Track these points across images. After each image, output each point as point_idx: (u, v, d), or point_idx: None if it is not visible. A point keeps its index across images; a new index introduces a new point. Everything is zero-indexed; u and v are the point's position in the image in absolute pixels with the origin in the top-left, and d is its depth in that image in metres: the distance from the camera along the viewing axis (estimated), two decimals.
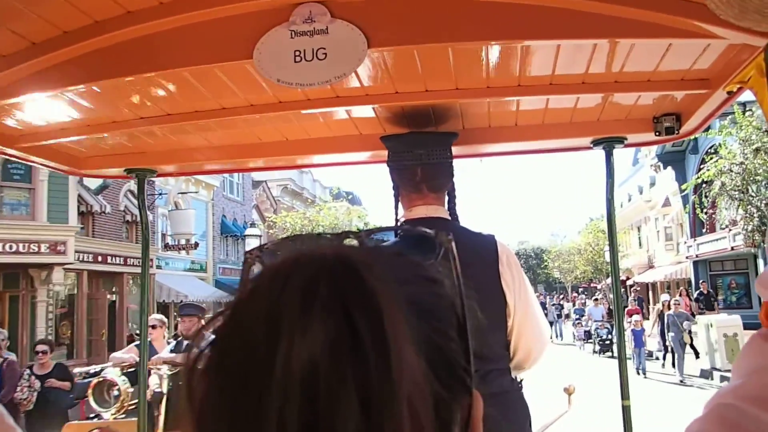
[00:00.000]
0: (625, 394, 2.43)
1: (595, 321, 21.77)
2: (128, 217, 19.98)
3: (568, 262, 45.69)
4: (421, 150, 2.10)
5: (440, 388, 0.44)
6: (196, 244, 21.40)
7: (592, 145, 2.51)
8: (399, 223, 2.09)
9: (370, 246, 0.52)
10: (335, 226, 27.67)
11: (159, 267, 21.82)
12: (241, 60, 1.73)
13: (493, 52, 1.82)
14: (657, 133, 2.37)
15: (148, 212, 20.79)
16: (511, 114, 2.37)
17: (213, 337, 0.45)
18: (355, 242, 0.53)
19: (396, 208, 2.15)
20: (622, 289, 31.55)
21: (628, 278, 37.15)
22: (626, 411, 2.40)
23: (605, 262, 33.00)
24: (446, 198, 2.15)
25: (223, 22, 1.73)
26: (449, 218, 2.10)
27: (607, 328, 20.56)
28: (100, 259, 18.18)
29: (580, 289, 52.04)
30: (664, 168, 27.32)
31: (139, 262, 17.88)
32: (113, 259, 18.93)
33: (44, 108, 2.12)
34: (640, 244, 38.63)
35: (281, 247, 0.55)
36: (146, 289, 2.91)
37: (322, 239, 0.55)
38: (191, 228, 19.73)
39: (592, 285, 48.03)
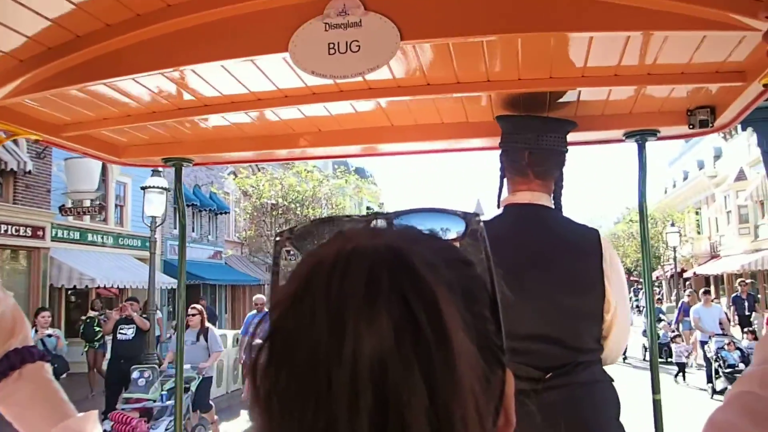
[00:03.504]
0: (656, 389, 2.43)
1: (717, 336, 12.39)
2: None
3: (618, 248, 41.73)
4: (529, 134, 2.09)
5: (486, 369, 0.46)
6: (101, 207, 15.89)
7: (624, 138, 2.50)
8: (501, 207, 2.09)
9: (409, 231, 0.53)
10: (313, 195, 23.06)
11: (59, 239, 16.33)
12: (276, 52, 1.77)
13: (525, 44, 1.82)
14: (691, 126, 2.35)
15: (33, 161, 14.38)
16: (542, 106, 2.37)
17: (272, 328, 0.46)
18: (383, 223, 0.55)
19: (500, 190, 2.15)
20: (679, 282, 27.18)
21: (684, 270, 31.87)
22: (657, 405, 2.40)
23: (666, 247, 28.32)
24: (553, 187, 2.14)
25: (260, 15, 1.77)
26: (551, 207, 2.10)
27: (740, 348, 11.77)
28: None
29: None
30: (743, 129, 23.11)
31: (15, 231, 14.16)
32: None
33: (88, 99, 2.19)
34: (699, 230, 33.00)
35: (311, 230, 0.57)
36: (182, 277, 2.98)
37: (353, 221, 0.56)
38: (94, 183, 13.70)
39: (631, 279, 46.16)
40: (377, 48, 1.69)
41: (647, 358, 15.47)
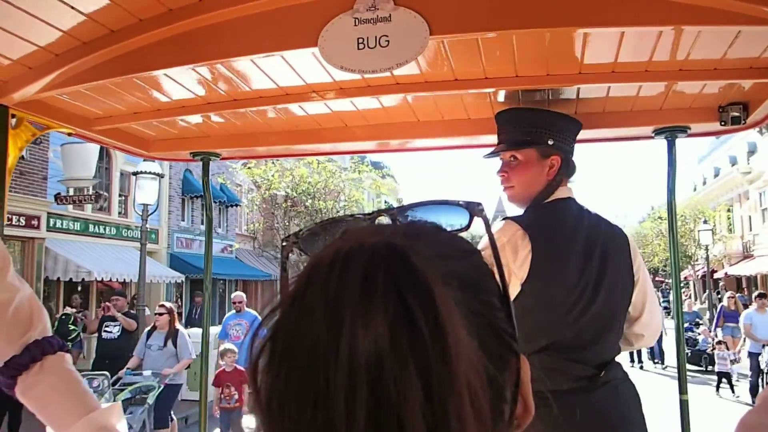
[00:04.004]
0: (683, 389, 2.41)
1: None
2: None
3: (646, 246, 38.77)
4: (573, 136, 2.13)
5: (490, 360, 0.46)
6: (98, 195, 14.11)
7: (653, 135, 2.47)
8: (559, 198, 2.09)
9: (411, 226, 0.54)
10: (325, 187, 21.73)
11: (56, 229, 15.64)
12: (306, 47, 1.78)
13: (555, 38, 1.81)
14: (722, 123, 2.31)
15: (28, 146, 12.88)
16: (570, 102, 2.35)
17: (272, 329, 0.47)
18: (388, 220, 0.56)
19: (555, 187, 2.11)
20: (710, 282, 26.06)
21: (714, 270, 30.31)
22: (684, 405, 2.38)
23: (699, 245, 27.17)
24: None
25: (290, 10, 1.79)
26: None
27: None
28: None
29: None
30: None
31: (7, 220, 11.49)
32: None
33: (119, 93, 2.23)
34: (731, 228, 31.87)
35: (316, 233, 0.58)
36: (209, 271, 3.01)
37: (358, 221, 0.57)
38: (91, 170, 12.30)
39: (656, 279, 44.67)
40: (406, 43, 1.69)
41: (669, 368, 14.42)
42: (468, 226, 0.56)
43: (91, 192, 13.49)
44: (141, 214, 11.55)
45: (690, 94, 2.25)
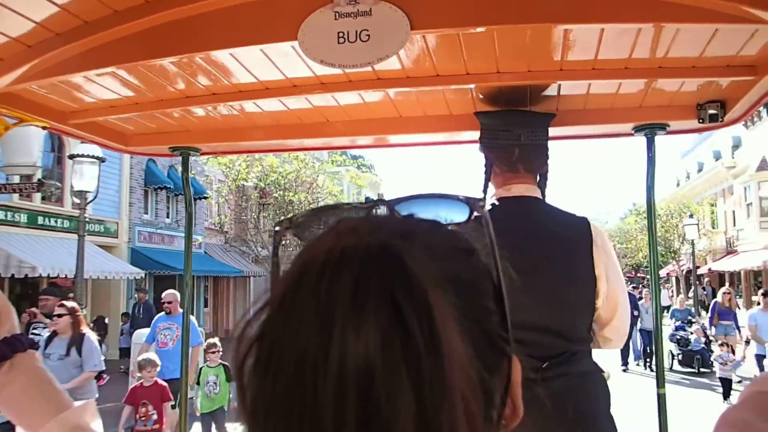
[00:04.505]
0: (660, 383, 2.43)
1: None
2: None
3: (630, 241, 38.58)
4: (519, 129, 2.13)
5: (483, 365, 0.44)
6: (41, 183, 12.08)
7: (633, 132, 2.49)
8: (492, 202, 2.09)
9: (408, 223, 0.52)
10: (297, 178, 20.42)
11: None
12: (285, 41, 1.76)
13: (536, 35, 1.81)
14: (700, 121, 2.34)
15: None
16: (551, 99, 2.36)
17: (260, 330, 0.45)
18: (384, 211, 0.53)
19: (486, 185, 2.16)
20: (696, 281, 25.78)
21: (698, 266, 29.33)
22: (661, 399, 2.40)
23: (684, 239, 27.40)
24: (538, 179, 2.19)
25: (269, 3, 1.76)
26: (541, 198, 2.14)
27: None
28: None
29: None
30: None
31: None
32: None
33: (95, 86, 2.19)
34: (714, 224, 31.75)
35: (311, 219, 0.55)
36: (189, 268, 2.98)
37: (352, 209, 0.54)
38: (33, 156, 10.98)
39: (638, 275, 44.53)
40: (387, 37, 1.68)
41: (675, 367, 13.98)
42: (466, 222, 0.54)
43: (27, 181, 11.83)
44: (80, 203, 10.47)
45: (669, 91, 2.27)
